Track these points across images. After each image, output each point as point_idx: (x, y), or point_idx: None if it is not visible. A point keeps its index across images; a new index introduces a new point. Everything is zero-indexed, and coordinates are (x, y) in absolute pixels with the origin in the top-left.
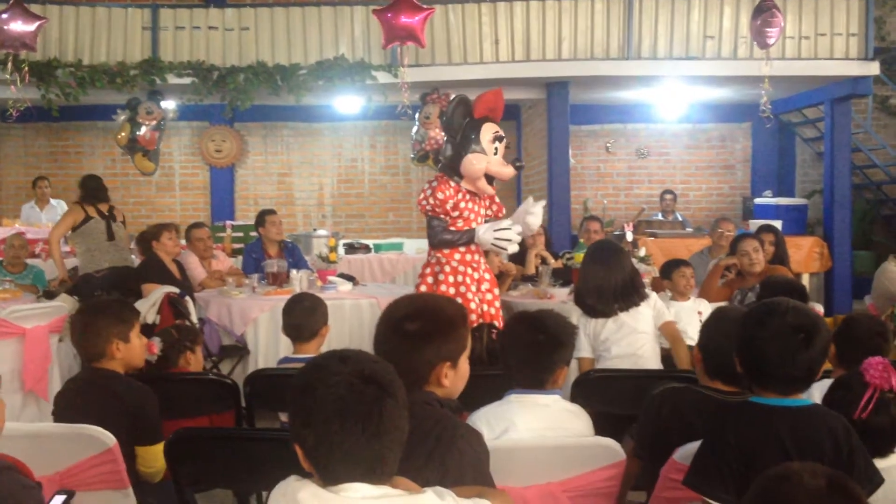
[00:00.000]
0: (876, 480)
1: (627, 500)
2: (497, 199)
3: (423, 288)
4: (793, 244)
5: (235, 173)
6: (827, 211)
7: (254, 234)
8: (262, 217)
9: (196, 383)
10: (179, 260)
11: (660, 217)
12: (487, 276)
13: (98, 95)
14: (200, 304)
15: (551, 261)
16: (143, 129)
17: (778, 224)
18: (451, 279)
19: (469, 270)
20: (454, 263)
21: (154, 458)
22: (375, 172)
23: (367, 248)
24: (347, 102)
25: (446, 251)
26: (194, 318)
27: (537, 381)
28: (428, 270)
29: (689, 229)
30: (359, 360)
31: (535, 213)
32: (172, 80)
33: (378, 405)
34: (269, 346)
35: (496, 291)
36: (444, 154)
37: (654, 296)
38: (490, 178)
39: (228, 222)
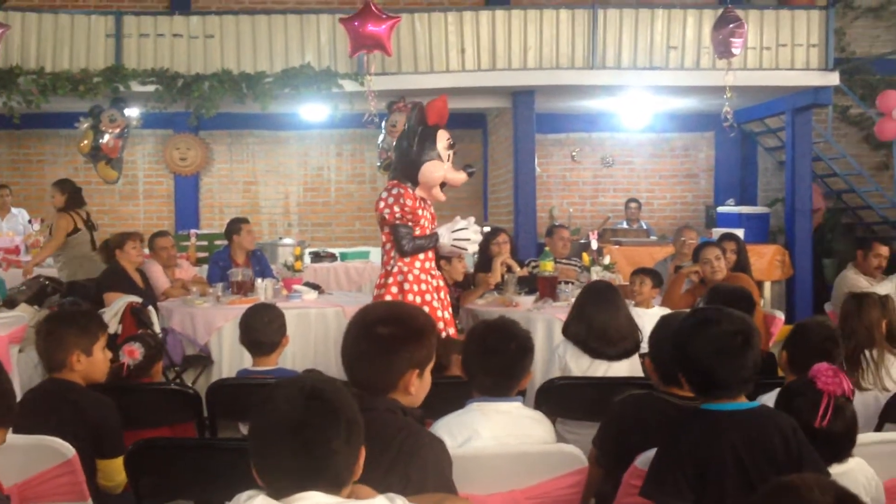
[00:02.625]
0: (824, 475)
1: None
2: (431, 209)
3: (387, 298)
4: (755, 252)
5: (200, 181)
6: (788, 219)
7: (219, 242)
8: (238, 225)
9: (157, 394)
10: (143, 269)
11: (625, 225)
12: (442, 282)
13: (60, 103)
14: (163, 314)
15: (517, 269)
16: (107, 137)
17: (740, 232)
18: (415, 288)
19: (429, 278)
20: (416, 272)
21: (115, 471)
22: (342, 181)
23: (333, 257)
24: (313, 110)
25: (407, 260)
26: (157, 328)
27: (504, 388)
28: (391, 280)
29: (653, 237)
30: (306, 378)
31: (461, 229)
32: (136, 87)
33: (320, 420)
34: (234, 356)
35: (448, 298)
36: (397, 161)
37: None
38: (441, 185)
39: (193, 231)
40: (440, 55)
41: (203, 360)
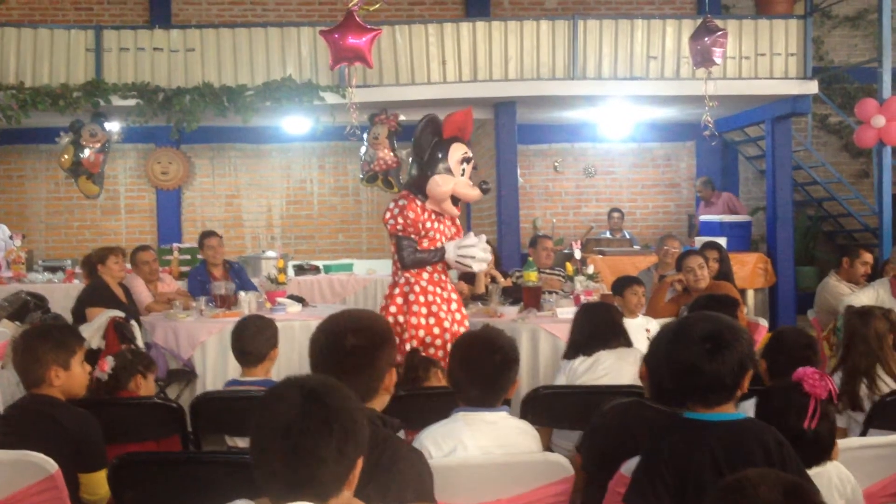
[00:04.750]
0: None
1: None
2: (457, 222)
3: (392, 309)
4: (737, 260)
5: (182, 195)
6: (770, 227)
7: (202, 256)
8: (200, 240)
9: (140, 408)
10: (125, 283)
11: (608, 235)
12: (454, 295)
13: (40, 118)
14: (146, 328)
15: (501, 279)
16: (87, 152)
17: (722, 241)
18: (421, 299)
19: (438, 290)
20: (423, 283)
21: (97, 485)
22: (325, 193)
23: (316, 270)
24: (295, 123)
25: (415, 272)
26: (140, 343)
27: (490, 398)
28: (397, 291)
29: (636, 247)
30: (310, 379)
31: (468, 245)
32: (117, 101)
33: (311, 426)
34: (218, 370)
35: (464, 311)
36: (410, 173)
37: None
38: (455, 200)
39: (175, 245)
40: (421, 67)
41: (187, 374)
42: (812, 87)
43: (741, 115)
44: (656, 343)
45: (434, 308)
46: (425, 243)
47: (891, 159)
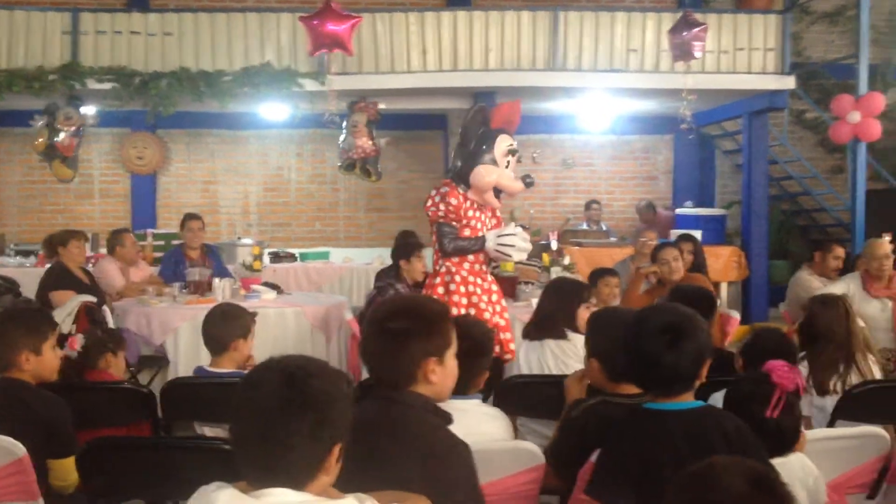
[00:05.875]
0: None
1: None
2: (497, 214)
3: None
4: (712, 253)
5: (158, 181)
6: (745, 221)
7: (177, 242)
8: (183, 221)
9: (111, 393)
10: (89, 267)
11: (585, 227)
12: (495, 286)
13: (15, 100)
14: (118, 314)
15: None
16: (62, 136)
17: (698, 234)
18: (462, 289)
19: (479, 280)
20: (464, 273)
21: (67, 470)
22: (302, 181)
23: (292, 257)
24: (274, 110)
25: (456, 260)
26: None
27: (462, 386)
28: (438, 280)
29: (612, 239)
30: (292, 361)
31: (509, 234)
32: (93, 85)
33: (285, 410)
34: (190, 357)
35: (503, 303)
36: (455, 162)
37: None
38: (497, 192)
39: (150, 230)
40: (401, 55)
41: (159, 360)
42: (789, 83)
43: (719, 109)
44: (607, 333)
45: (475, 299)
46: (466, 232)
47: (865, 155)
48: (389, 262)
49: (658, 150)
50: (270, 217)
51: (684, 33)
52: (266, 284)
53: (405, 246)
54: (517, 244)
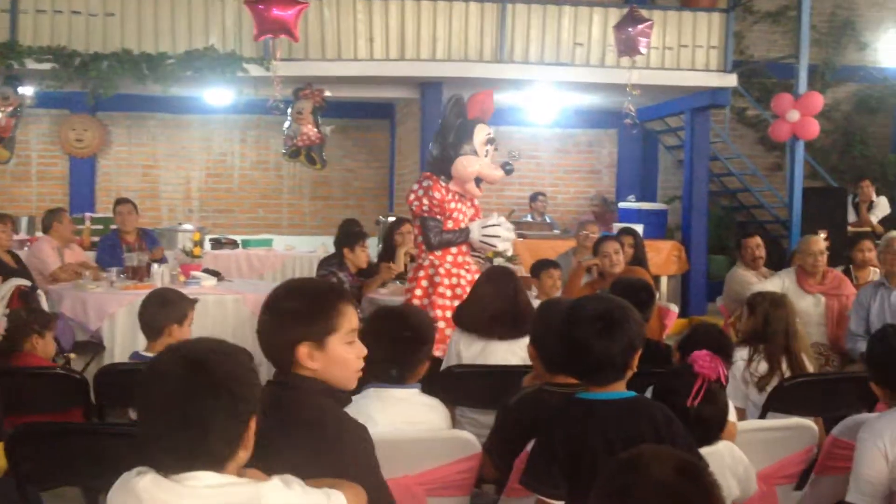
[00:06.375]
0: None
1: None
2: (476, 203)
3: (417, 292)
4: (653, 247)
5: (97, 164)
6: (685, 216)
7: (114, 227)
8: (114, 206)
9: (42, 378)
10: (25, 251)
11: (529, 219)
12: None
13: None
14: (53, 298)
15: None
16: None
17: (640, 228)
18: (446, 282)
19: (462, 272)
20: (447, 266)
21: None
22: (246, 167)
23: (234, 244)
24: (217, 95)
25: (439, 253)
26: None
27: (401, 375)
28: (421, 274)
29: (556, 231)
30: (190, 346)
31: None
32: (31, 65)
33: (197, 393)
34: (126, 343)
35: None
36: (432, 153)
37: None
38: (478, 181)
39: (88, 214)
40: (348, 43)
41: (94, 346)
42: (731, 81)
43: (662, 105)
44: (547, 322)
45: (458, 291)
46: (449, 224)
47: (803, 153)
48: (333, 250)
49: (602, 144)
50: (212, 203)
51: (630, 29)
52: (206, 271)
53: (349, 235)
54: (502, 234)
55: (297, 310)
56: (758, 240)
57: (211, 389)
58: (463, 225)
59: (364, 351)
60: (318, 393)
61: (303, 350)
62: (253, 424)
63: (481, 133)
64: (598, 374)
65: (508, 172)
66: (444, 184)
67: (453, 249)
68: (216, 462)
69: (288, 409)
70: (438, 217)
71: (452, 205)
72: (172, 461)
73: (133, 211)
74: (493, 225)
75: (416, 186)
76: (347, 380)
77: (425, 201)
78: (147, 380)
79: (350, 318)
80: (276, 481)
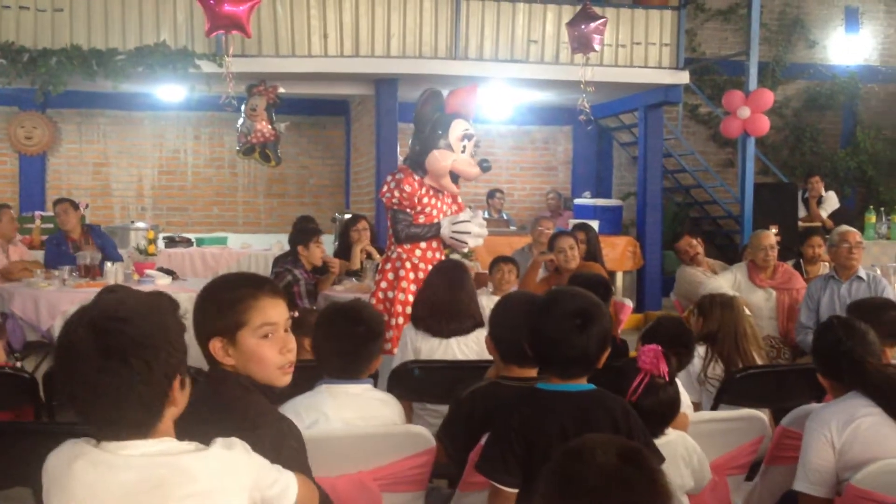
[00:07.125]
0: (657, 458)
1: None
2: (459, 200)
3: (383, 285)
4: (608, 243)
5: (47, 162)
6: (640, 212)
7: None
8: (53, 206)
9: None
10: None
11: (486, 215)
12: None
13: None
14: (3, 296)
15: (376, 256)
16: None
17: (595, 224)
18: (411, 276)
19: (429, 268)
20: (415, 260)
21: None
22: (199, 164)
23: (188, 242)
24: (169, 91)
25: (408, 247)
26: None
27: (353, 371)
28: (388, 266)
29: (512, 227)
30: (98, 311)
31: (463, 221)
32: None
33: (108, 361)
34: None
35: None
36: (411, 147)
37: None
38: (455, 177)
39: (38, 213)
40: (302, 39)
41: (46, 346)
42: (684, 78)
43: (616, 102)
44: (504, 314)
45: None
46: (421, 219)
47: (754, 150)
48: (288, 247)
49: (557, 140)
50: (166, 201)
51: (583, 26)
52: (160, 269)
53: (303, 232)
54: (472, 230)
55: (205, 305)
56: (688, 240)
57: (119, 359)
58: (437, 221)
59: (292, 345)
60: (242, 386)
61: (215, 345)
62: (177, 384)
63: (458, 128)
64: (571, 368)
65: (485, 170)
66: (417, 177)
67: (423, 244)
68: (140, 430)
69: (211, 400)
70: (408, 210)
71: (426, 199)
72: (97, 432)
73: (70, 209)
74: (464, 221)
75: (389, 178)
76: (270, 376)
77: (396, 194)
78: (59, 353)
79: (264, 312)
80: (218, 444)
